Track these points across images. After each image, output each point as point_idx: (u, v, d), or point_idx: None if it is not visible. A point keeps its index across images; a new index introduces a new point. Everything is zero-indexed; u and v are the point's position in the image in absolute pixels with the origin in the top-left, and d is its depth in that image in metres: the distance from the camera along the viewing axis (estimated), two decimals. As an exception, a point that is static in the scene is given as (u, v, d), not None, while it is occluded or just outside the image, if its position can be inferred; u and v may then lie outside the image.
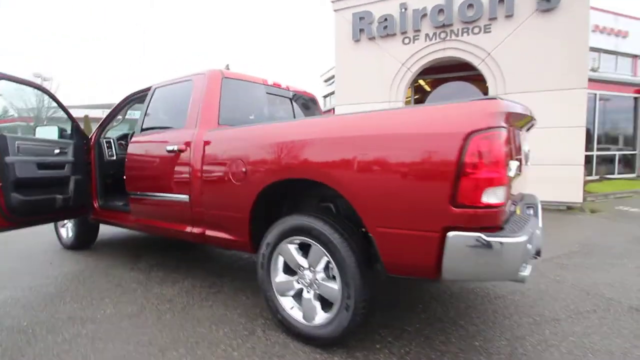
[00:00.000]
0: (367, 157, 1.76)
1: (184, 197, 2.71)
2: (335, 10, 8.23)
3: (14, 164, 2.89)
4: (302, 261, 2.08)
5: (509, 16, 6.71)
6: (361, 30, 7.89)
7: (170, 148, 2.80)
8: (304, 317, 2.07)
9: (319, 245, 1.95)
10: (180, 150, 2.73)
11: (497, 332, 2.21)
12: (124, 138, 4.26)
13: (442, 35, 7.16)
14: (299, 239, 2.06)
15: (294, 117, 3.47)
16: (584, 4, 6.29)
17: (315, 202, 2.44)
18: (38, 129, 3.59)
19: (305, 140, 2.02)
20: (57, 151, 3.31)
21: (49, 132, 3.49)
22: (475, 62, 6.96)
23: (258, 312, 2.45)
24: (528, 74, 6.58)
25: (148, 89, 3.37)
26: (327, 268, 1.99)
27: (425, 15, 7.34)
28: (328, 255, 1.92)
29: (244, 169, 2.32)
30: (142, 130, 3.18)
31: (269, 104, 3.28)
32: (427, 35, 7.32)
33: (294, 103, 3.51)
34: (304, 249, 2.08)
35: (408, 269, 1.73)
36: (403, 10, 7.48)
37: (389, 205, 1.69)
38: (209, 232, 2.63)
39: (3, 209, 2.81)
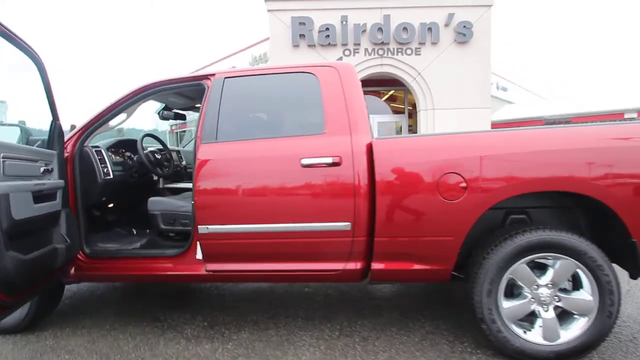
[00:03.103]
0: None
1: (341, 225, 1.92)
2: (269, 11, 7.65)
3: (6, 196, 1.41)
4: (541, 279, 1.85)
5: (434, 43, 7.72)
6: (301, 36, 7.59)
7: (310, 161, 1.93)
8: (544, 339, 1.85)
9: (570, 259, 1.80)
10: (334, 164, 1.92)
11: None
12: (120, 147, 2.71)
13: (380, 52, 7.62)
14: (539, 255, 1.83)
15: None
16: (487, 40, 7.86)
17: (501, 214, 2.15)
18: None
19: (569, 150, 1.80)
20: (42, 169, 1.82)
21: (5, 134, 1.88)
22: (408, 79, 7.68)
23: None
24: (449, 93, 7.69)
25: (195, 78, 2.26)
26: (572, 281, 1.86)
27: (365, 30, 7.66)
28: (584, 267, 1.79)
29: (462, 184, 1.82)
30: (219, 136, 2.08)
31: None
32: (366, 50, 7.64)
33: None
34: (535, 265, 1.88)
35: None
36: (344, 22, 7.61)
37: None
38: (378, 266, 1.96)
39: None
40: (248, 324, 2.33)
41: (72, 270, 2.24)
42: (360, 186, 1.90)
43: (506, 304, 1.87)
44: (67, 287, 2.74)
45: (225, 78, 2.18)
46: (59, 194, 1.90)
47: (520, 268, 1.85)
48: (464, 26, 7.74)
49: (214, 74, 2.22)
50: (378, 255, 1.97)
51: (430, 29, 7.70)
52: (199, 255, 2.11)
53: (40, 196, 1.70)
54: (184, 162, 3.16)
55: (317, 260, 2.02)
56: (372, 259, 1.99)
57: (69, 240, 1.89)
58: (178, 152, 3.09)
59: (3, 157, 1.46)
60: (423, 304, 2.60)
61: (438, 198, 1.85)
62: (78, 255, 2.22)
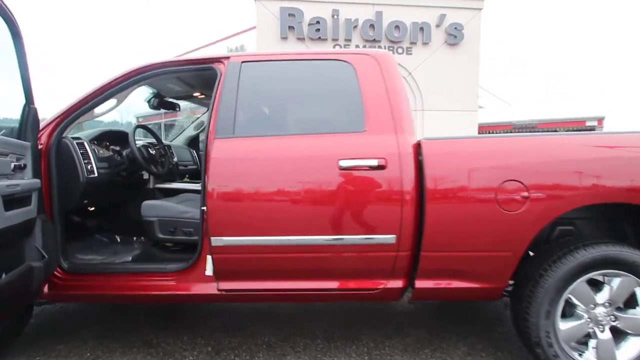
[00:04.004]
0: None
1: (385, 238, 1.65)
2: (256, 0, 7.22)
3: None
4: (598, 297, 1.68)
5: (426, 43, 7.61)
6: (290, 28, 7.23)
7: (350, 164, 1.64)
8: None
9: (632, 276, 1.65)
10: (379, 167, 1.63)
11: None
12: (105, 139, 2.26)
13: (371, 49, 7.42)
14: (599, 273, 1.66)
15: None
16: (477, 43, 7.86)
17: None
18: None
19: None
20: (13, 165, 1.40)
21: None
22: (398, 79, 7.53)
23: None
24: (439, 94, 7.62)
25: (205, 61, 1.91)
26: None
27: (356, 26, 7.42)
28: None
29: (524, 194, 1.60)
30: (237, 130, 1.74)
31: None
32: (357, 46, 7.40)
33: None
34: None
35: None
36: (335, 16, 7.33)
37: None
38: (423, 283, 1.72)
39: None
40: (260, 348, 2.01)
41: (46, 289, 1.83)
42: (407, 193, 1.64)
43: (563, 326, 1.69)
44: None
45: (243, 62, 1.84)
46: (34, 198, 1.49)
47: (580, 287, 1.68)
48: (455, 28, 7.70)
49: (228, 57, 1.88)
50: (423, 272, 1.72)
51: (422, 28, 7.60)
52: (209, 271, 1.76)
53: (11, 201, 1.30)
54: (175, 159, 2.77)
55: (355, 277, 1.74)
56: (415, 276, 1.74)
57: (46, 255, 1.49)
58: (169, 147, 2.69)
59: None
60: (447, 318, 2.39)
61: (495, 208, 1.62)
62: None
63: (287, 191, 1.68)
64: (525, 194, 1.61)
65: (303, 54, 1.90)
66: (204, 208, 1.71)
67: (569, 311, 1.72)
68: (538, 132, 1.84)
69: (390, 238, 1.66)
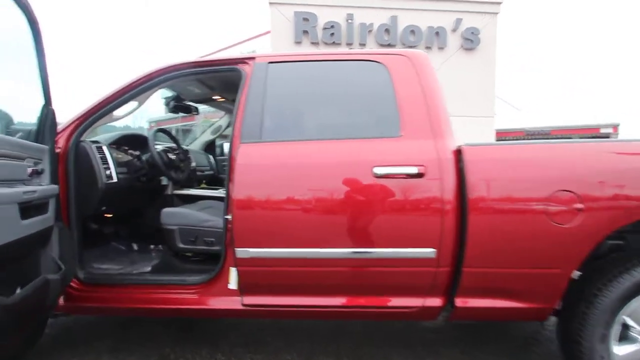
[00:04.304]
0: None
1: (424, 252, 1.52)
2: (271, 4, 7.20)
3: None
4: None
5: (441, 48, 7.49)
6: (304, 32, 7.18)
7: (385, 171, 1.52)
8: None
9: None
10: (418, 175, 1.51)
11: None
12: (123, 144, 2.19)
13: (386, 53, 7.34)
14: None
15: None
16: (493, 47, 7.72)
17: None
18: None
19: None
20: (30, 170, 1.32)
21: None
22: (413, 84, 7.41)
23: None
24: (455, 100, 7.46)
25: (229, 62, 1.82)
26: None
27: (371, 31, 7.35)
28: None
29: (578, 205, 1.46)
30: (265, 134, 1.64)
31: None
32: (372, 51, 7.35)
33: None
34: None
35: None
36: (349, 21, 7.26)
37: None
38: (463, 302, 1.58)
39: None
40: (284, 367, 1.89)
41: (61, 300, 1.74)
42: (448, 203, 1.52)
43: (619, 351, 1.54)
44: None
45: (270, 63, 1.75)
46: (51, 204, 1.41)
47: (639, 308, 1.52)
48: (472, 32, 7.58)
49: (253, 58, 1.79)
50: (464, 290, 1.58)
51: (438, 33, 7.49)
52: (233, 285, 1.65)
53: (28, 208, 1.21)
54: (193, 164, 2.68)
55: (389, 294, 1.61)
56: (455, 294, 1.60)
57: (62, 267, 1.40)
58: (187, 151, 2.61)
59: None
60: (480, 337, 2.23)
61: (545, 221, 1.49)
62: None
63: (317, 200, 1.56)
64: (579, 205, 1.47)
65: (333, 54, 1.80)
66: (228, 217, 1.61)
67: (625, 334, 1.57)
68: (552, 139, 1.70)
69: (429, 252, 1.53)
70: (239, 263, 1.59)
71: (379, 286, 1.61)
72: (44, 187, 1.33)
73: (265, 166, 1.60)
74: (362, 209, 1.55)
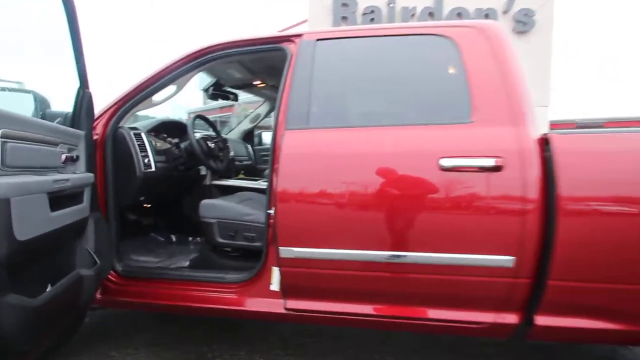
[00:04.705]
0: None
1: (499, 260, 1.28)
2: (308, -9, 7.01)
3: (5, 203, 0.84)
4: None
5: (491, 31, 6.98)
6: (343, 19, 6.91)
7: (454, 163, 1.29)
8: None
9: None
10: (494, 168, 1.28)
11: None
12: (162, 131, 2.12)
13: (429, 39, 6.92)
14: None
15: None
16: (549, 32, 7.06)
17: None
18: None
19: None
20: (64, 157, 1.23)
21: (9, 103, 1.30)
22: (458, 71, 6.96)
23: None
24: (504, 88, 6.96)
25: (272, 40, 1.64)
26: None
27: (414, 14, 6.94)
28: None
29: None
30: (312, 120, 1.45)
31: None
32: (414, 36, 6.95)
33: None
34: None
35: None
36: (391, 5, 6.91)
37: None
38: (546, 320, 1.32)
39: None
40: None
41: (98, 293, 1.68)
42: (531, 202, 1.26)
43: None
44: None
45: (318, 40, 1.55)
46: (86, 194, 1.32)
47: None
48: (525, 14, 6.94)
49: (300, 35, 1.60)
50: (547, 306, 1.32)
51: (488, 15, 6.92)
52: (275, 286, 1.50)
53: (60, 198, 1.12)
54: (232, 153, 2.56)
55: (455, 306, 1.39)
56: (536, 311, 1.35)
57: (98, 261, 1.31)
58: (226, 140, 2.49)
59: (3, 136, 0.88)
60: (543, 352, 1.96)
61: (661, 227, 1.21)
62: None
63: (371, 196, 1.36)
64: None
65: (391, 28, 1.57)
66: (271, 211, 1.45)
67: None
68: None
69: (506, 260, 1.29)
70: (282, 263, 1.43)
71: (442, 297, 1.39)
72: (77, 175, 1.24)
73: (313, 155, 1.42)
74: (424, 207, 1.33)
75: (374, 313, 1.44)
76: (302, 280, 1.44)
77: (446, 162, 1.30)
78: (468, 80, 1.39)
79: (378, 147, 1.38)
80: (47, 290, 1.04)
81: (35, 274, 1.00)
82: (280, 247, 1.41)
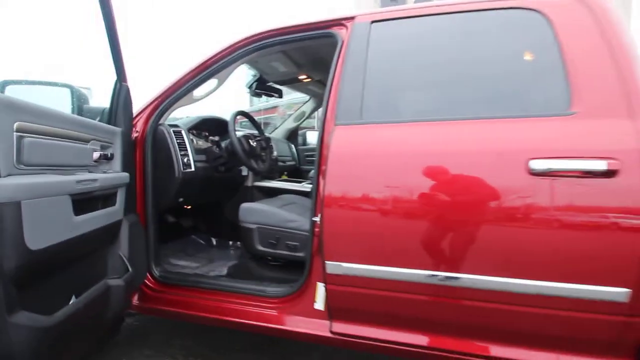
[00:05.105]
0: None
1: (608, 292, 0.99)
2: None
3: (15, 207, 0.73)
4: None
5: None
6: (392, 0, 6.67)
7: (546, 166, 1.01)
8: None
9: None
10: (605, 173, 0.99)
11: None
12: (202, 129, 2.05)
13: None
14: None
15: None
16: (627, 20, 6.26)
17: None
18: (11, 87, 1.28)
19: None
20: (96, 155, 1.14)
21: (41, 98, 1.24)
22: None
23: None
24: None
25: (319, 25, 1.45)
26: None
27: None
28: None
29: None
30: (366, 114, 1.25)
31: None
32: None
33: None
34: None
35: None
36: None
37: None
38: None
39: None
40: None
41: (135, 299, 1.60)
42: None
43: None
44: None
45: (373, 22, 1.34)
46: (120, 195, 1.22)
47: None
48: None
49: (352, 18, 1.39)
50: None
51: None
52: (320, 305, 1.31)
53: (88, 200, 1.02)
54: (275, 153, 2.43)
55: (544, 347, 1.11)
56: None
57: (130, 268, 1.20)
58: (269, 139, 2.36)
59: (18, 130, 0.77)
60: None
61: None
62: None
63: (439, 205, 1.12)
64: None
65: (464, 3, 1.31)
66: (316, 219, 1.27)
67: None
68: None
69: (618, 293, 0.99)
70: (329, 280, 1.23)
71: (528, 333, 1.11)
72: (107, 175, 1.14)
73: (367, 155, 1.20)
74: (508, 221, 1.06)
75: (444, 348, 1.19)
76: (351, 301, 1.23)
77: (538, 165, 1.02)
78: (565, 61, 1.10)
79: (447, 145, 1.13)
80: (70, 303, 0.93)
81: (56, 285, 0.90)
82: (326, 262, 1.21)
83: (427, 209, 1.12)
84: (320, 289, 1.31)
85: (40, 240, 0.78)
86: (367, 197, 1.17)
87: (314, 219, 1.29)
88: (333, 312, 1.27)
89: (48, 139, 0.87)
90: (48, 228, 0.81)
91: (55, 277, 0.89)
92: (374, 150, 1.20)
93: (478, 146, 1.11)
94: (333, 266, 1.21)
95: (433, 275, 1.12)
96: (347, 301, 1.24)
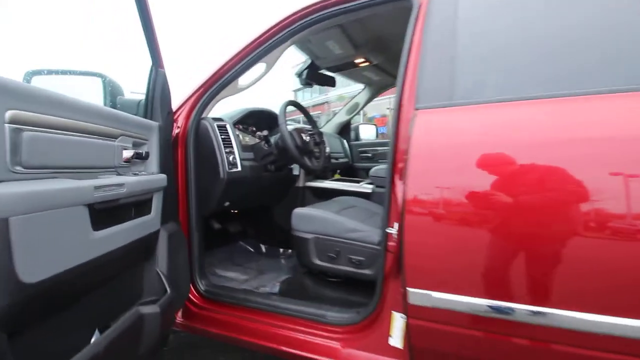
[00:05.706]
0: None
1: None
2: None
3: (4, 223, 0.53)
4: None
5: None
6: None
7: None
8: None
9: None
10: None
11: None
12: (248, 122, 1.84)
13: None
14: None
15: None
16: None
17: None
18: (37, 78, 1.17)
19: None
20: (125, 155, 0.97)
21: (75, 88, 1.10)
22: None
23: None
24: None
25: None
26: None
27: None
28: None
29: None
30: (458, 94, 0.94)
31: None
32: None
33: None
34: None
35: None
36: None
37: None
38: None
39: None
40: None
41: (179, 317, 1.42)
42: None
43: None
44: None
45: None
46: (155, 202, 1.03)
47: None
48: None
49: None
50: None
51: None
52: (396, 341, 1.03)
53: (112, 210, 0.82)
54: (328, 149, 2.17)
55: None
56: None
57: (169, 289, 1.00)
58: (322, 134, 2.10)
59: (12, 121, 0.58)
60: None
61: None
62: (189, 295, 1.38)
63: (571, 213, 0.79)
64: None
65: None
66: (392, 230, 0.98)
67: None
68: None
69: None
70: (412, 312, 0.94)
71: None
72: (143, 177, 0.94)
73: (465, 147, 0.88)
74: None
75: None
76: (445, 343, 0.93)
77: None
78: None
79: (568, 130, 0.79)
80: (92, 340, 0.75)
81: (68, 323, 0.71)
82: (408, 288, 0.93)
83: (568, 218, 0.78)
84: (398, 320, 1.02)
85: (39, 269, 0.58)
86: (468, 202, 0.86)
87: (387, 230, 1.01)
88: (416, 353, 0.98)
89: (58, 133, 0.68)
90: (52, 252, 0.61)
91: (66, 313, 0.70)
92: (475, 141, 0.88)
93: (609, 131, 0.75)
94: (418, 295, 0.91)
95: (564, 316, 0.78)
96: (439, 342, 0.93)
